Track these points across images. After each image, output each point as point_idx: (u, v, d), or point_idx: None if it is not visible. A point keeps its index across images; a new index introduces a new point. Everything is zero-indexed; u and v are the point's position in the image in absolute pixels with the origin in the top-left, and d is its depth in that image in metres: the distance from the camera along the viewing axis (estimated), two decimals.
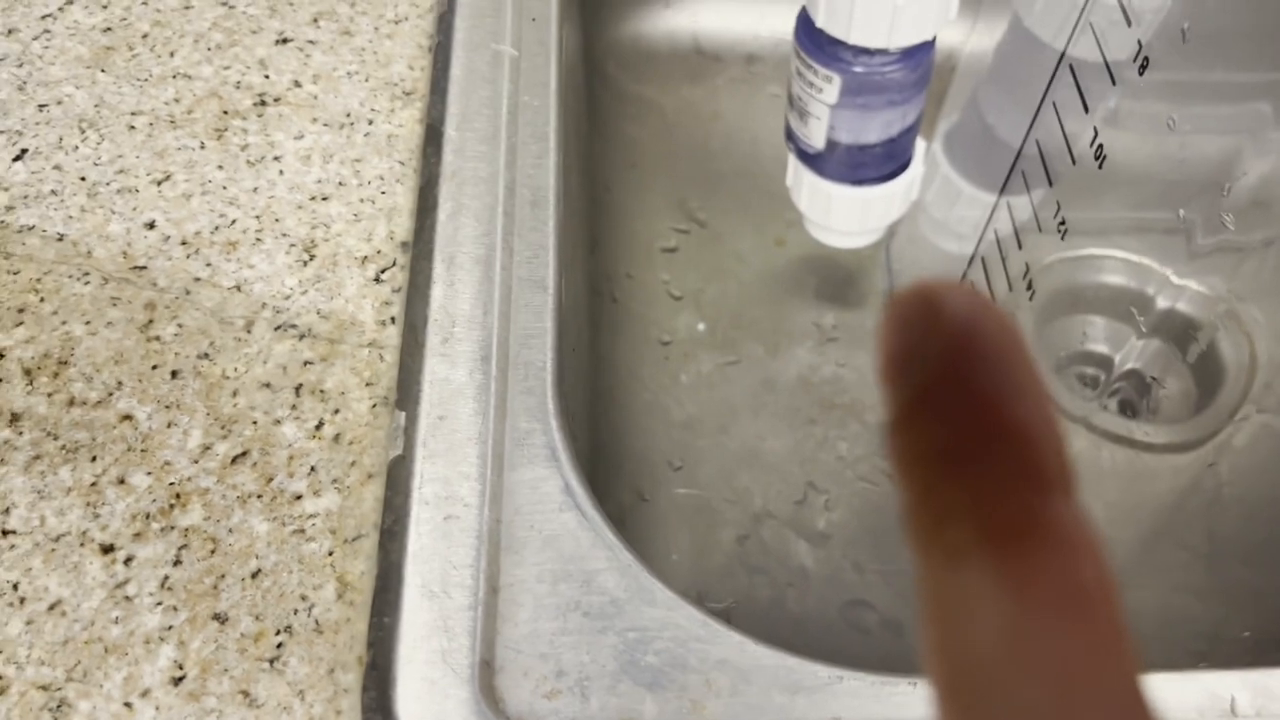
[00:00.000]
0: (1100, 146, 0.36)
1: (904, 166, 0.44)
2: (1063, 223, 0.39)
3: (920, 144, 0.44)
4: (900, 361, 0.12)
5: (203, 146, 0.36)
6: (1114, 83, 0.35)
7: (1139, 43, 0.33)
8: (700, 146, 0.64)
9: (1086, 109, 0.37)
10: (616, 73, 0.65)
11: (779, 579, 0.49)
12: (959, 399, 0.11)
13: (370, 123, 0.37)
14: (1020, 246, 0.42)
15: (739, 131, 0.65)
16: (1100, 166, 0.36)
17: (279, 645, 0.27)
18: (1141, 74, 0.33)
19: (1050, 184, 0.40)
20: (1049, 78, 0.39)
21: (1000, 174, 0.45)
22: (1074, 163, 0.38)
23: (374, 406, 0.31)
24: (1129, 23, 0.34)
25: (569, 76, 0.50)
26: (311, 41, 0.40)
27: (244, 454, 0.30)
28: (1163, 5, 0.33)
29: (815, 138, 0.41)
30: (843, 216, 0.45)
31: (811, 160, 0.43)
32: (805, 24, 0.37)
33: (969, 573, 0.11)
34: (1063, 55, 0.39)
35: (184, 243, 0.34)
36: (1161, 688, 0.27)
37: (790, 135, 0.43)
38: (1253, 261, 0.34)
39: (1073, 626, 0.10)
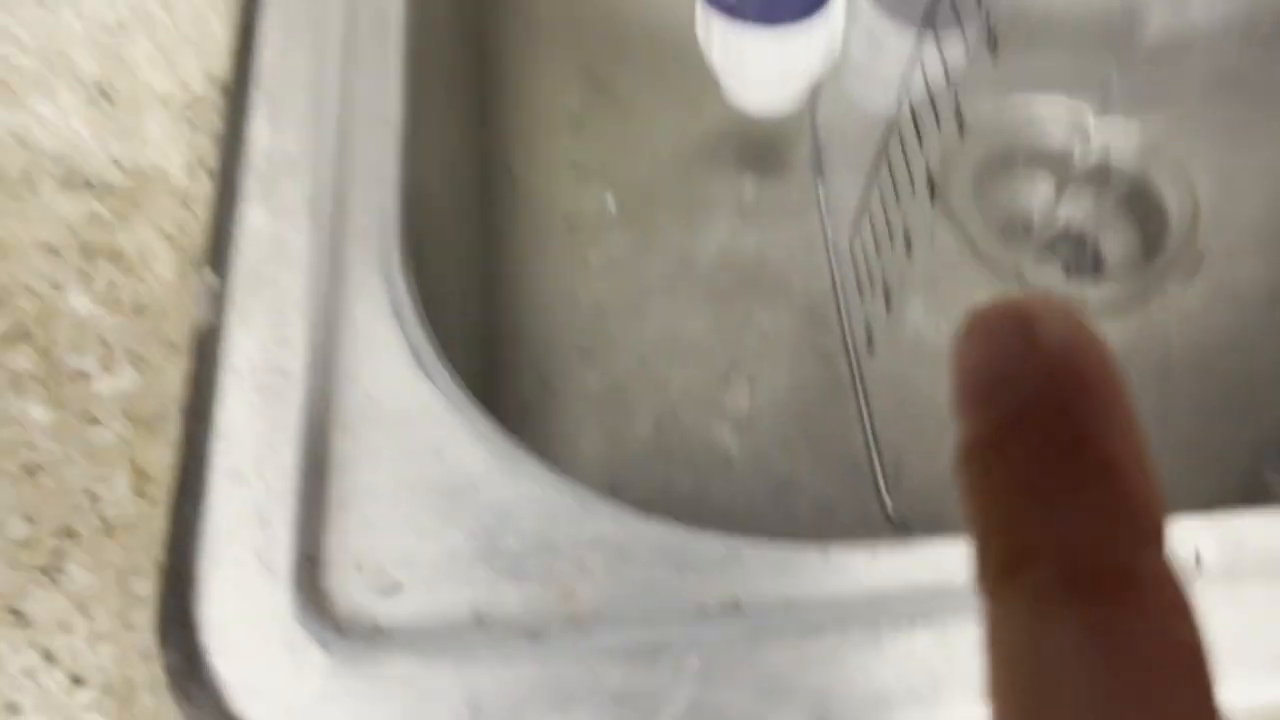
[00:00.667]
0: None
1: (820, 3, 0.39)
2: (994, 44, 0.35)
3: None
4: (984, 382, 0.11)
5: None
6: None
7: None
8: (606, 8, 0.58)
9: None
10: None
11: (702, 465, 0.45)
12: (1052, 430, 0.11)
13: None
14: (949, 81, 0.38)
15: None
16: None
17: (56, 551, 0.22)
18: None
19: (982, 12, 0.36)
20: None
21: (923, 4, 0.40)
22: None
23: (181, 269, 0.26)
24: None
25: None
26: None
27: (19, 329, 0.25)
28: None
29: None
30: (759, 64, 0.41)
31: (721, 3, 0.38)
32: None
33: (1053, 623, 0.10)
34: None
35: None
36: None
37: None
38: (1181, 101, 0.30)
39: (1169, 697, 0.10)
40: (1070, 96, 0.31)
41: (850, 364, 0.47)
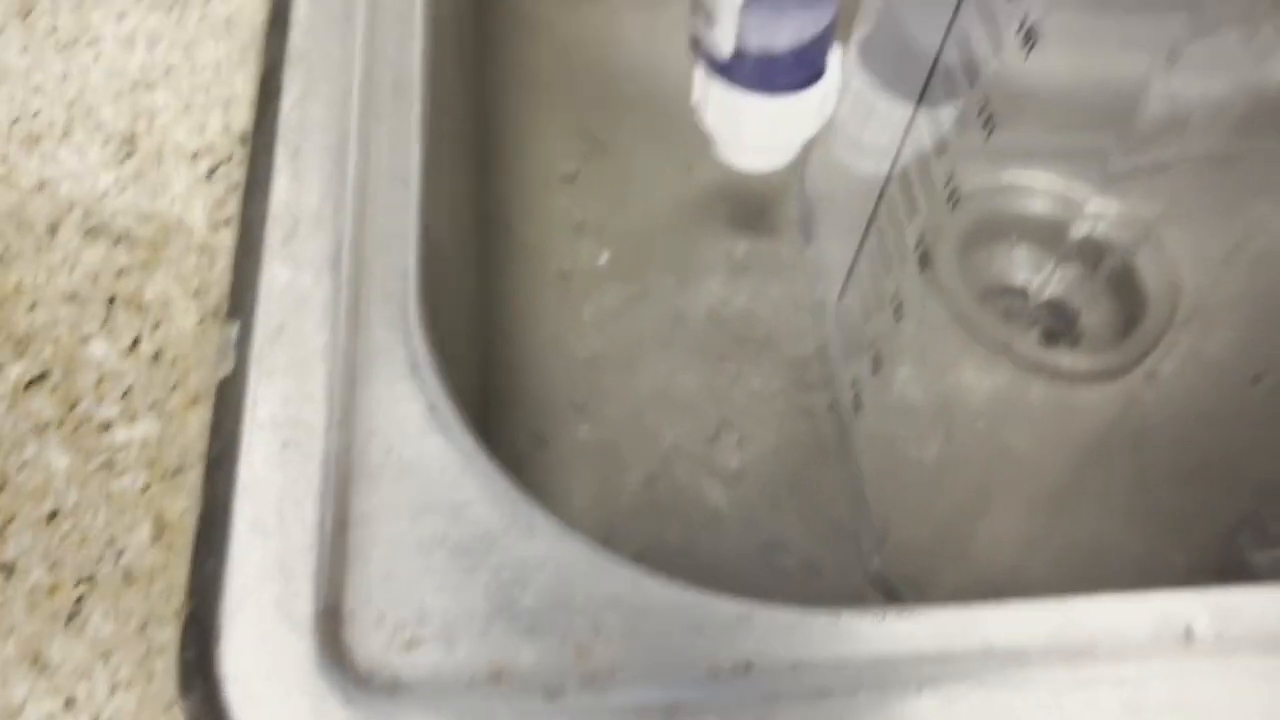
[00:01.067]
0: (1029, 34, 0.33)
1: (818, 75, 0.40)
2: (988, 119, 0.36)
3: (837, 51, 0.40)
4: None
5: (1, 30, 0.31)
6: None
7: None
8: (602, 69, 0.60)
9: (1026, 18, 0.34)
10: None
11: (692, 521, 0.45)
12: None
13: (206, 3, 0.32)
14: (942, 153, 0.39)
15: (643, 54, 0.60)
16: (1027, 57, 0.33)
17: (79, 599, 0.22)
18: None
19: (974, 88, 0.37)
20: None
21: (918, 82, 0.41)
22: (999, 49, 0.35)
23: (202, 319, 0.26)
24: None
25: None
26: None
27: (42, 376, 0.25)
28: None
29: (723, 43, 0.37)
30: (753, 131, 0.42)
31: (719, 69, 0.39)
32: None
33: None
34: None
35: None
36: (1106, 610, 0.23)
37: (696, 44, 0.39)
38: (1171, 181, 0.31)
39: None
40: (1061, 172, 0.32)
41: (839, 424, 0.48)
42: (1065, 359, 0.44)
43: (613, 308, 0.51)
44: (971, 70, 0.37)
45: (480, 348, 0.45)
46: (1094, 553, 0.39)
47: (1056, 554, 0.40)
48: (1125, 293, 0.45)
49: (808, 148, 0.52)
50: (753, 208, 0.55)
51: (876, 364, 0.45)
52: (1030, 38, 0.33)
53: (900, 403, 0.43)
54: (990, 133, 0.36)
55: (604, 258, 0.53)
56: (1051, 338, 0.42)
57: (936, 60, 0.40)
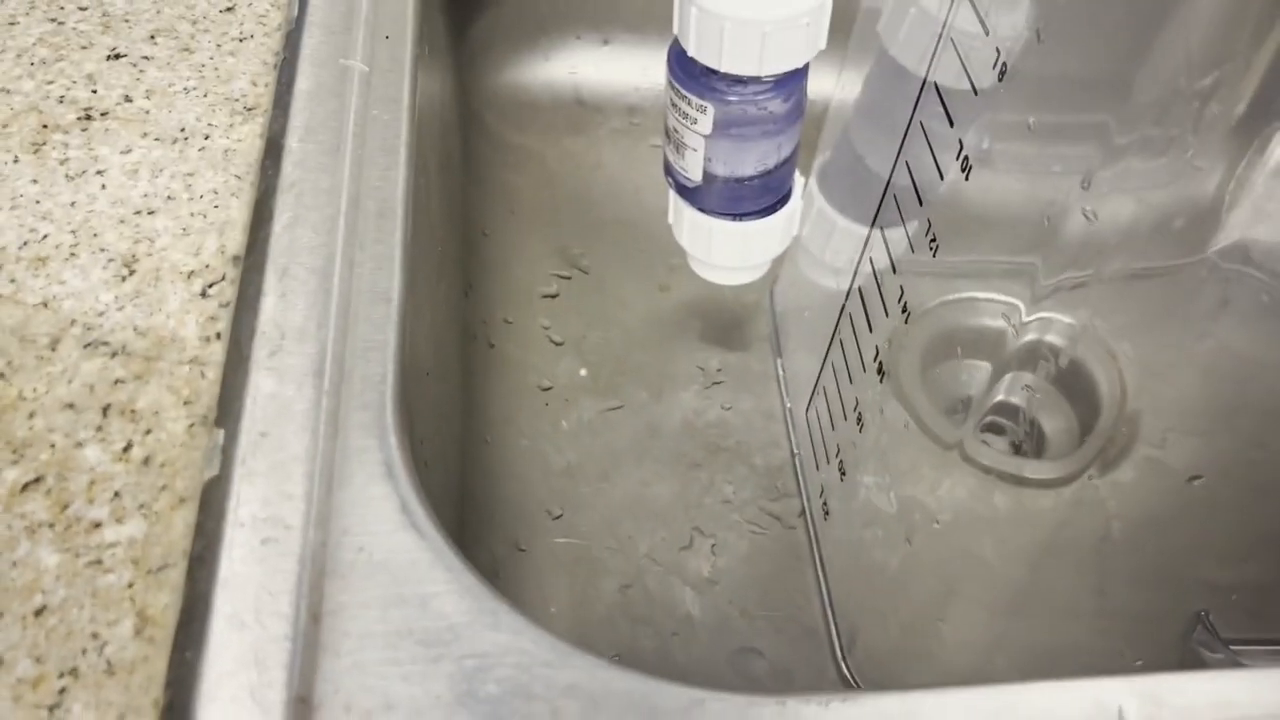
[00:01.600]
0: (966, 160, 0.35)
1: (783, 200, 0.43)
2: (934, 240, 0.38)
3: (799, 179, 0.43)
4: None
5: (16, 161, 0.33)
6: (975, 93, 0.35)
7: (1000, 65, 0.32)
8: (582, 195, 0.63)
9: (951, 128, 0.36)
10: (495, 122, 0.64)
11: (664, 628, 0.46)
12: None
13: (206, 138, 0.35)
14: (895, 271, 0.41)
15: (621, 181, 0.64)
16: (967, 178, 0.35)
17: (61, 690, 0.23)
18: (1001, 86, 0.32)
19: (922, 213, 0.39)
20: (914, 105, 0.39)
21: (872, 205, 0.44)
22: (941, 177, 0.37)
23: (191, 426, 0.28)
24: (990, 45, 0.34)
25: (439, 120, 0.48)
26: (147, 57, 0.37)
27: (37, 480, 0.27)
28: (1020, 33, 0.33)
29: (692, 170, 0.40)
30: (724, 251, 0.44)
31: (690, 194, 0.42)
32: (678, 54, 0.36)
33: None
34: (924, 81, 0.38)
35: None
36: (1042, 697, 0.25)
37: (668, 169, 0.42)
38: (1105, 297, 0.33)
39: None
40: (1002, 288, 0.35)
41: (809, 530, 0.50)
42: (1021, 464, 0.46)
43: (590, 420, 0.53)
44: (919, 194, 0.39)
45: (460, 457, 0.47)
46: (1055, 653, 0.40)
47: (1019, 655, 0.41)
48: (1078, 399, 0.47)
49: (777, 265, 0.55)
50: (725, 324, 0.58)
51: (842, 471, 0.47)
52: (966, 165, 0.36)
53: (865, 509, 0.45)
54: (936, 251, 0.39)
55: (582, 372, 0.55)
56: (1005, 443, 0.44)
57: (888, 185, 0.43)
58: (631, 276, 0.59)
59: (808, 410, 0.51)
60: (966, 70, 0.36)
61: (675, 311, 0.58)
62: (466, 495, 0.47)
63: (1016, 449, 0.47)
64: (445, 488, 0.41)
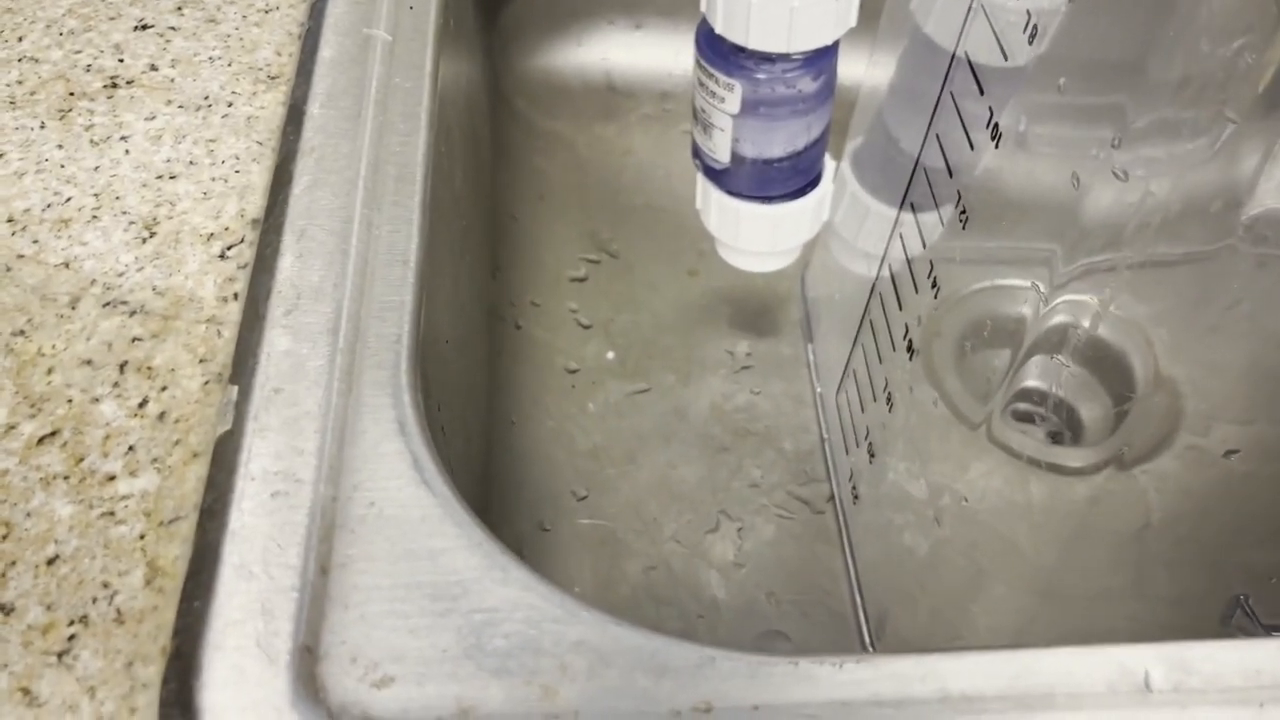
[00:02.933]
0: (997, 128, 0.35)
1: (813, 183, 0.42)
2: (964, 213, 0.38)
3: (829, 163, 0.42)
4: None
5: (43, 126, 0.34)
6: (1005, 59, 0.34)
7: (1031, 29, 0.31)
8: (612, 180, 0.63)
9: (982, 96, 0.36)
10: (526, 107, 0.64)
11: (689, 610, 0.46)
12: None
13: (230, 105, 0.35)
14: (925, 246, 0.41)
15: (651, 166, 0.63)
16: (997, 146, 0.35)
17: (71, 637, 0.23)
18: (1032, 63, 0.32)
19: (954, 194, 0.39)
20: (944, 79, 0.38)
21: (905, 187, 0.43)
22: (972, 148, 0.37)
23: (206, 383, 0.28)
24: (1020, 8, 0.33)
25: (465, 99, 0.48)
26: (173, 28, 0.37)
27: (53, 434, 0.27)
28: (1058, 6, 0.32)
29: (720, 151, 0.40)
30: (752, 236, 0.44)
31: (718, 176, 0.41)
32: (705, 32, 0.36)
33: None
34: (954, 54, 0.37)
35: (10, 220, 0.31)
36: (1069, 662, 0.24)
37: (696, 151, 0.41)
38: (1137, 281, 0.32)
39: None
40: (1032, 271, 0.34)
41: (838, 515, 0.49)
42: (1050, 449, 0.45)
43: (616, 403, 0.52)
44: (950, 168, 0.39)
45: (485, 437, 0.47)
46: (1088, 637, 0.39)
47: (1050, 639, 0.40)
48: (1112, 386, 0.46)
49: (808, 250, 0.54)
50: (755, 310, 0.57)
51: (871, 454, 0.46)
52: (997, 133, 0.35)
53: (895, 492, 0.44)
54: (966, 224, 0.38)
55: (610, 355, 0.54)
56: (1042, 432, 0.43)
57: (916, 164, 0.42)
58: (661, 261, 0.58)
59: (838, 394, 0.50)
60: (998, 38, 0.35)
61: (704, 296, 0.57)
62: (492, 475, 0.47)
63: (1055, 438, 0.46)
64: (468, 461, 0.40)
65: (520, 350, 0.53)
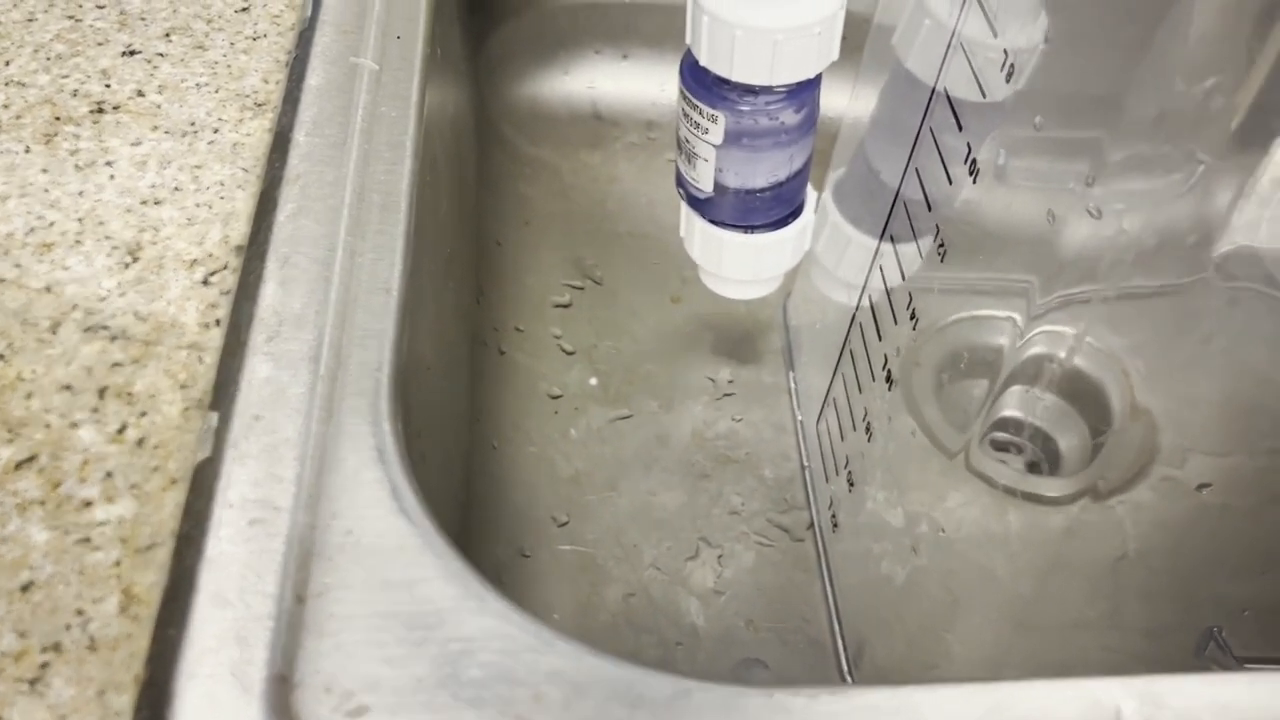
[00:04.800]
0: (975, 164, 0.35)
1: (795, 213, 0.43)
2: (942, 246, 0.38)
3: (811, 193, 0.43)
4: None
5: (28, 151, 0.34)
6: (984, 96, 0.35)
7: (1009, 68, 0.32)
8: (597, 208, 0.63)
9: (960, 132, 0.36)
10: (512, 134, 0.65)
11: (668, 638, 0.46)
12: None
13: (216, 131, 0.35)
14: (904, 278, 0.41)
15: (636, 194, 0.64)
16: (974, 181, 0.35)
17: (44, 665, 0.23)
18: (1010, 99, 0.32)
19: (933, 226, 0.39)
20: (924, 113, 0.39)
21: (885, 219, 0.44)
22: (950, 183, 0.37)
23: (186, 410, 0.28)
24: (998, 48, 0.34)
25: (451, 127, 0.48)
26: (161, 54, 0.38)
27: (30, 459, 0.27)
28: (1029, 39, 0.33)
29: (703, 181, 0.40)
30: (735, 264, 0.44)
31: (701, 205, 0.42)
32: (690, 64, 0.36)
33: None
34: (934, 89, 0.38)
35: None
36: (1042, 695, 0.24)
37: (680, 181, 0.41)
38: (1113, 314, 0.33)
39: None
40: (1008, 303, 0.34)
41: (817, 543, 0.49)
42: (1026, 479, 0.45)
43: (599, 429, 0.52)
44: (928, 202, 0.39)
45: (466, 462, 0.47)
46: (1063, 668, 0.39)
47: (1027, 669, 0.40)
48: (1089, 417, 0.46)
49: (790, 279, 0.55)
50: (737, 337, 0.57)
51: (851, 483, 0.46)
52: (974, 169, 0.36)
53: (873, 521, 0.44)
54: (944, 257, 0.38)
55: (593, 381, 0.55)
56: (1014, 455, 0.44)
57: (896, 196, 0.43)
58: (644, 288, 0.59)
59: (818, 423, 0.51)
60: (976, 75, 0.35)
61: (687, 323, 0.58)
62: (472, 500, 0.47)
63: (1032, 468, 0.46)
64: (448, 487, 0.41)
65: (503, 376, 0.53)
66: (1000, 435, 0.45)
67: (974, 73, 0.35)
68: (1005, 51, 0.33)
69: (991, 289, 0.38)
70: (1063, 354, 0.35)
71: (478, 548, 0.45)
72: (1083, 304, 0.31)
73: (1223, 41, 0.25)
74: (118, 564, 0.25)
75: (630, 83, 0.66)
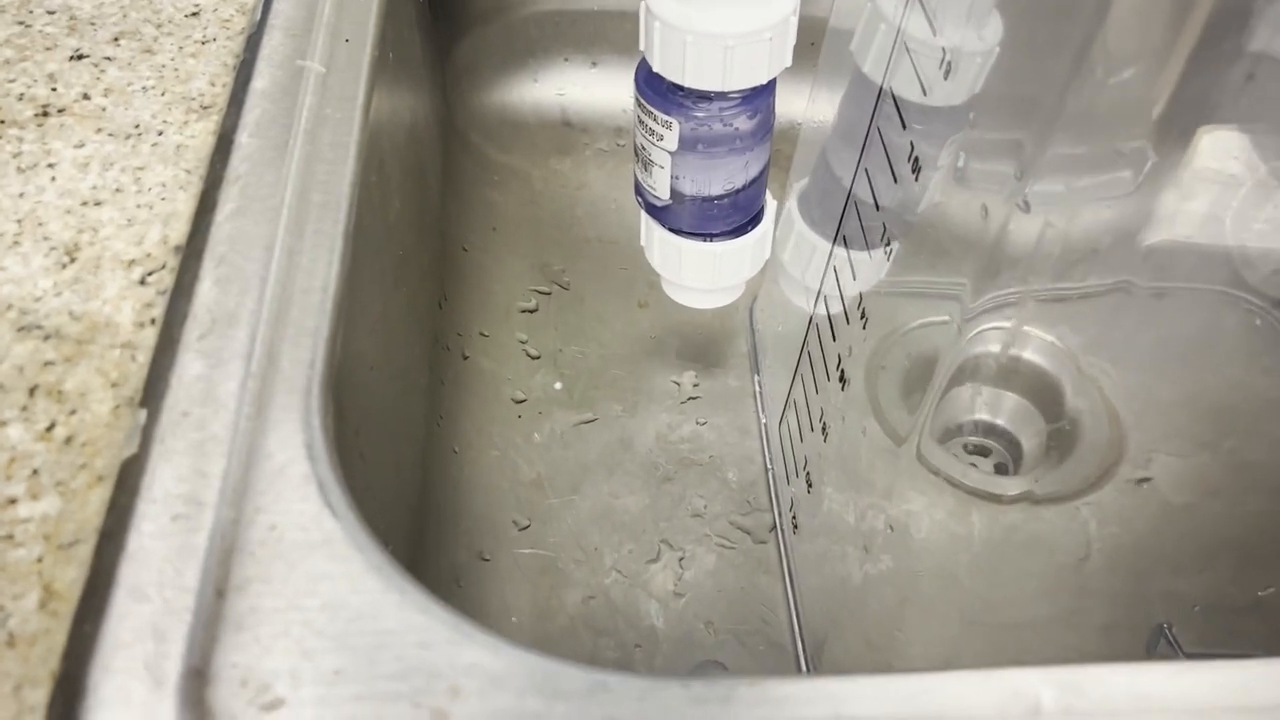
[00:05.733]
0: (917, 162, 0.35)
1: (753, 221, 0.43)
2: (889, 243, 0.38)
3: (771, 201, 0.43)
4: None
5: None
6: (925, 94, 0.35)
7: (946, 65, 0.32)
8: (565, 214, 0.63)
9: (911, 149, 0.36)
10: (481, 141, 0.65)
11: (627, 640, 0.46)
12: None
13: (160, 134, 0.35)
14: (855, 278, 0.41)
15: (605, 200, 0.64)
16: (917, 179, 0.35)
17: None
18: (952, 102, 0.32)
19: (883, 225, 0.39)
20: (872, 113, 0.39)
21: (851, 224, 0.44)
22: (895, 181, 0.37)
23: (116, 408, 0.28)
24: (936, 47, 0.34)
25: (407, 131, 0.49)
26: (109, 58, 0.38)
27: None
28: (967, 38, 0.33)
29: (660, 188, 0.40)
30: (695, 272, 0.44)
31: (659, 213, 0.42)
32: (644, 71, 0.37)
33: None
34: (880, 88, 0.38)
35: None
36: (961, 685, 0.24)
37: (639, 189, 0.42)
38: (1071, 313, 0.33)
39: None
40: (948, 302, 0.35)
41: (779, 544, 0.49)
42: (986, 475, 0.45)
43: (562, 433, 0.52)
44: (876, 200, 0.39)
45: (423, 465, 0.47)
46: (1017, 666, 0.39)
47: (980, 667, 0.40)
48: (1052, 416, 0.46)
49: (756, 284, 0.55)
50: (703, 342, 0.57)
51: (809, 483, 0.46)
52: (916, 166, 0.36)
53: (831, 521, 0.44)
54: (891, 255, 0.38)
55: (557, 386, 0.55)
56: (969, 454, 0.44)
57: (848, 198, 0.43)
58: (612, 294, 0.59)
59: (780, 425, 0.51)
60: (918, 73, 0.36)
61: (653, 328, 0.58)
62: (431, 503, 0.47)
63: (998, 469, 0.46)
64: (396, 488, 0.40)
65: (467, 380, 0.53)
66: (954, 435, 0.45)
67: (915, 71, 0.36)
68: (943, 50, 0.34)
69: (934, 290, 0.38)
70: (996, 349, 0.35)
71: (436, 550, 0.45)
72: (1014, 305, 0.31)
73: (1140, 31, 0.25)
74: (39, 560, 0.25)
75: (599, 90, 0.67)
